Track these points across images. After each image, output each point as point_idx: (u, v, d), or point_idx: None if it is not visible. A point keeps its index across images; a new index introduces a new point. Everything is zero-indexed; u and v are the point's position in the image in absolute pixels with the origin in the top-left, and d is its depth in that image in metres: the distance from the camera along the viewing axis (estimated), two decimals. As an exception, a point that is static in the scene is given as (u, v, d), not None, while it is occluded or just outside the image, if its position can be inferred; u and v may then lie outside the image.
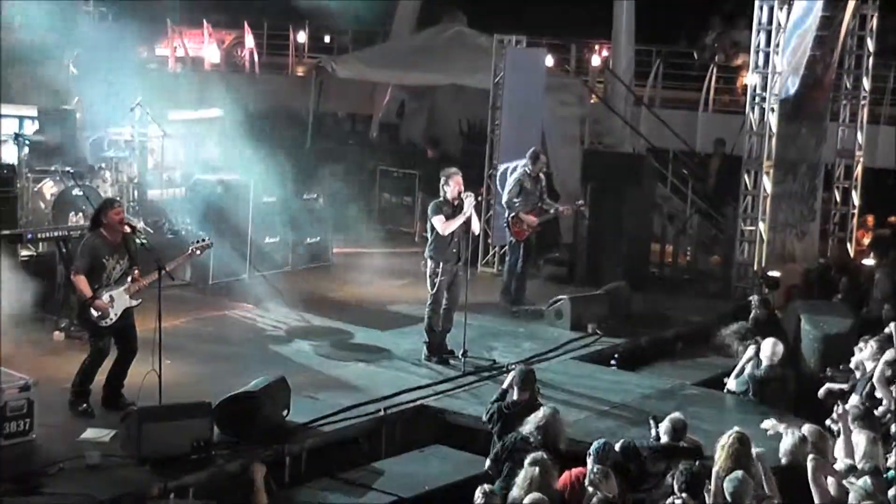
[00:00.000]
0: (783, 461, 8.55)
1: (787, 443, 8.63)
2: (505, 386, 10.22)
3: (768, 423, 9.46)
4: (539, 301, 15.45)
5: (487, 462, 9.48)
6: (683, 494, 7.83)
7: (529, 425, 9.23)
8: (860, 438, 8.70)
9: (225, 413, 10.29)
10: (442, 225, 12.63)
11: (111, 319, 10.57)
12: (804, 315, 13.62)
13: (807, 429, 8.72)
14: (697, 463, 8.73)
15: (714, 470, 8.23)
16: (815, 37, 16.45)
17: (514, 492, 8.27)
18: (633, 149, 20.71)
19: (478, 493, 8.06)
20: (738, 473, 7.98)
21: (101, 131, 16.84)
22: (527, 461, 8.47)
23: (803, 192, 16.92)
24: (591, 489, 8.21)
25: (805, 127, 16.78)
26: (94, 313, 10.47)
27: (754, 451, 8.32)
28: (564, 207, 15.75)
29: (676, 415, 9.62)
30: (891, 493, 8.16)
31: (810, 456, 8.16)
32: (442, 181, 12.84)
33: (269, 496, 9.10)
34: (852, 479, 7.90)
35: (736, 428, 8.57)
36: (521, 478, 8.30)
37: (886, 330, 12.15)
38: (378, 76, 21.07)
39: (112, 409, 10.56)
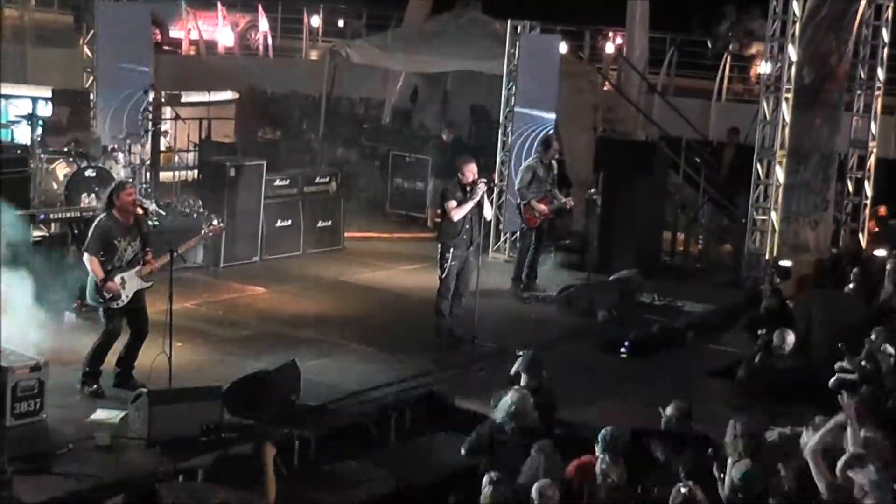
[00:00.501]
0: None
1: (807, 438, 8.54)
2: (513, 372, 10.24)
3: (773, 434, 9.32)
4: (550, 288, 15.46)
5: (462, 451, 9.46)
6: (689, 482, 7.82)
7: (500, 412, 9.20)
8: (869, 432, 8.66)
9: (235, 395, 10.33)
10: (453, 210, 12.65)
11: (123, 301, 10.60)
12: (816, 305, 13.59)
13: (818, 420, 8.69)
14: (705, 451, 8.75)
15: (728, 459, 8.24)
16: (830, 27, 16.38)
17: (521, 478, 8.29)
18: (646, 137, 20.68)
19: (485, 481, 8.07)
20: (747, 461, 8.00)
21: (115, 113, 16.87)
22: (533, 448, 8.48)
23: (817, 182, 16.86)
24: (601, 477, 8.22)
25: (819, 117, 16.71)
26: (106, 295, 10.50)
27: (769, 435, 8.28)
28: (568, 199, 15.72)
29: (682, 402, 9.59)
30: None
31: (810, 445, 8.12)
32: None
33: (277, 478, 9.12)
34: (857, 469, 7.87)
35: (746, 418, 8.56)
36: (528, 465, 8.32)
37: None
38: (391, 62, 21.05)
39: (123, 389, 10.59)
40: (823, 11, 16.26)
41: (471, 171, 12.81)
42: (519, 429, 9.08)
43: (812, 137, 16.65)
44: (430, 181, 18.80)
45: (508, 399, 9.22)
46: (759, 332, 12.39)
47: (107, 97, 17.07)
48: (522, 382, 10.02)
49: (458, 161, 13.14)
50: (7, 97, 18.25)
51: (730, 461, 8.33)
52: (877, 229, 18.35)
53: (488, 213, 13.25)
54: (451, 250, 12.75)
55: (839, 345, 11.25)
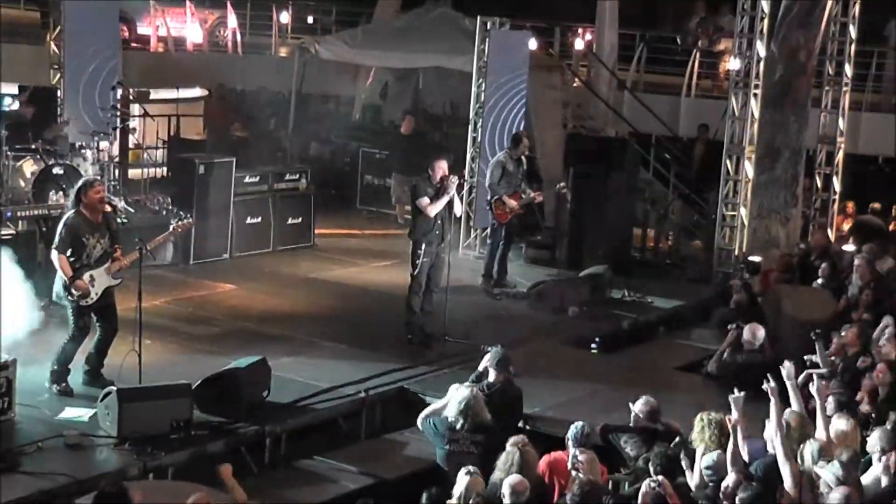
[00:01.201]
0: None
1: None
2: (481, 368, 10.22)
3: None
4: (521, 284, 15.48)
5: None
6: (659, 477, 7.85)
7: (451, 410, 9.20)
8: (840, 425, 8.73)
9: (205, 393, 10.31)
10: (427, 206, 12.64)
11: (92, 299, 10.54)
12: (785, 300, 13.66)
13: (788, 414, 8.74)
14: (673, 445, 8.78)
15: (698, 452, 8.29)
16: (799, 23, 16.46)
17: (496, 474, 8.29)
18: (615, 133, 20.69)
19: (461, 474, 8.06)
20: (715, 452, 8.06)
21: (83, 110, 16.76)
22: (508, 444, 8.48)
23: (787, 178, 16.95)
24: (573, 472, 8.23)
25: (792, 114, 16.80)
26: (75, 293, 10.43)
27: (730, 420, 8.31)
28: (538, 194, 15.74)
29: (650, 398, 9.61)
30: (864, 478, 8.20)
31: (777, 437, 8.16)
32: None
33: (248, 476, 9.09)
34: (822, 465, 7.92)
35: (711, 412, 8.60)
36: (502, 460, 8.32)
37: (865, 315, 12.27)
38: (361, 58, 21.00)
39: (92, 387, 10.52)
40: (795, 8, 16.33)
41: (441, 168, 12.81)
42: (470, 426, 9.08)
43: (785, 134, 16.73)
44: (393, 177, 18.77)
45: (460, 396, 9.21)
46: (729, 326, 12.44)
47: (74, 94, 16.95)
48: (490, 378, 10.02)
49: (431, 158, 13.17)
50: (-27, 94, 18.09)
51: (698, 453, 8.36)
52: (845, 224, 18.46)
53: (458, 209, 13.27)
54: (423, 247, 12.75)
55: (812, 333, 11.29)
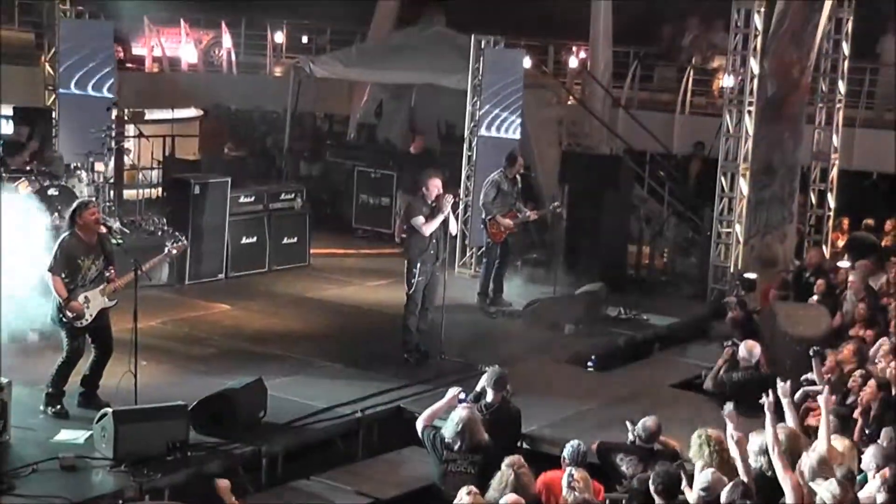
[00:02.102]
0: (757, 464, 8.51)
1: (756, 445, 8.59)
2: (478, 389, 10.21)
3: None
4: (516, 302, 15.47)
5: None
6: (659, 498, 7.83)
7: (449, 430, 9.17)
8: (837, 443, 8.72)
9: (202, 413, 10.29)
10: (423, 225, 12.65)
11: (87, 320, 10.52)
12: (780, 317, 13.66)
13: (779, 428, 8.73)
14: (676, 465, 8.76)
15: (696, 470, 8.26)
16: (791, 39, 16.51)
17: (490, 493, 8.27)
18: (610, 150, 20.74)
19: (462, 493, 8.03)
20: (710, 470, 8.04)
21: (77, 131, 16.77)
22: (504, 463, 8.46)
23: (783, 195, 16.98)
24: (567, 491, 8.21)
25: (786, 130, 16.84)
26: (70, 314, 10.42)
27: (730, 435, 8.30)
28: (532, 213, 15.74)
29: (651, 417, 9.62)
30: (861, 495, 8.19)
31: (774, 452, 8.14)
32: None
33: (244, 495, 9.07)
34: (819, 482, 7.90)
35: (708, 429, 8.58)
36: (497, 481, 8.30)
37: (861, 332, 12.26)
38: (355, 75, 21.05)
39: (88, 409, 10.50)
40: (785, 24, 16.38)
41: (435, 186, 12.82)
42: (468, 447, 9.06)
43: (780, 151, 16.76)
44: (399, 196, 18.74)
45: (456, 416, 9.19)
46: (725, 344, 12.44)
47: (69, 115, 16.97)
48: (488, 398, 10.02)
49: (424, 177, 13.15)
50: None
51: (697, 470, 8.34)
52: (840, 241, 18.49)
53: (454, 227, 13.28)
54: (418, 266, 12.75)
55: (810, 350, 11.29)
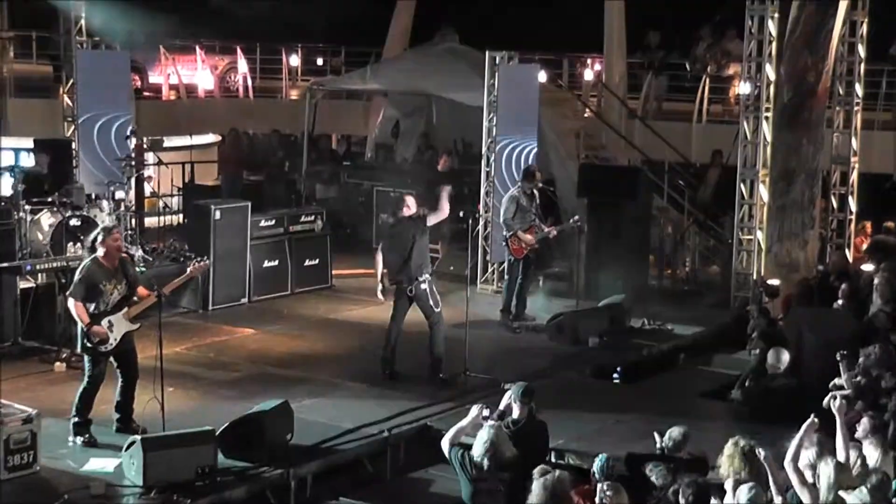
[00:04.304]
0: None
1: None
2: (503, 406, 10.13)
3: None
4: (539, 317, 15.46)
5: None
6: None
7: (477, 450, 9.10)
8: (870, 450, 8.66)
9: (229, 438, 10.31)
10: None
11: (111, 344, 10.58)
12: (805, 323, 13.60)
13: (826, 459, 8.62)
14: (704, 475, 8.72)
15: (727, 481, 8.20)
16: (805, 44, 16.47)
17: (532, 499, 8.21)
18: (628, 162, 20.73)
19: None
20: (750, 484, 7.96)
21: (98, 161, 16.89)
22: (540, 476, 8.37)
23: (803, 200, 16.91)
24: (601, 505, 8.17)
25: (804, 136, 16.78)
26: (94, 339, 10.46)
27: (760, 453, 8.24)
28: (552, 228, 15.68)
29: (680, 427, 9.58)
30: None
31: (789, 465, 8.08)
32: None
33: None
34: (849, 492, 7.84)
35: (738, 437, 8.52)
36: (535, 493, 8.21)
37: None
38: (371, 85, 21.15)
39: (125, 434, 10.47)
40: (798, 30, 16.35)
41: (409, 205, 13.01)
42: (496, 464, 9.03)
43: (800, 157, 16.71)
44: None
45: (484, 435, 9.15)
46: (752, 351, 12.39)
47: (89, 145, 17.07)
48: (514, 414, 9.97)
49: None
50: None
51: (729, 483, 8.28)
52: (863, 244, 18.38)
53: (445, 211, 13.29)
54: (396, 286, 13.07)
55: (837, 354, 11.23)
